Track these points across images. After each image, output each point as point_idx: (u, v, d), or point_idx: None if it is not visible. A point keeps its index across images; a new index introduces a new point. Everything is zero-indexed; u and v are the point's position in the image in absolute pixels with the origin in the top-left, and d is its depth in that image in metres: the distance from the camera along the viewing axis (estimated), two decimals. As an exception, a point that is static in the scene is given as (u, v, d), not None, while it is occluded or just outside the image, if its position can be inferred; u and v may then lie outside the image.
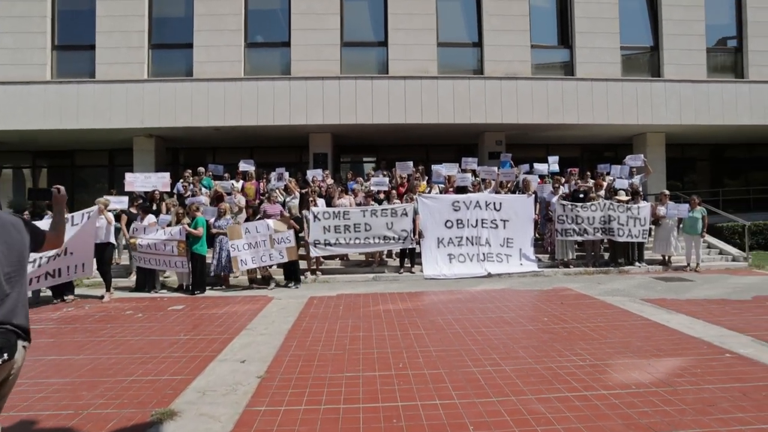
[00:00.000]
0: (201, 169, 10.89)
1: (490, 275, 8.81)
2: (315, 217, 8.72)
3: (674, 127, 13.16)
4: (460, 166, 10.77)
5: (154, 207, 9.54)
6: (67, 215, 7.14)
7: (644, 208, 9.25)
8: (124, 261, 9.28)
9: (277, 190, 9.61)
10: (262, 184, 10.59)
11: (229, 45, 12.45)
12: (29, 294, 4.97)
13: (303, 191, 9.79)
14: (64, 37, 12.83)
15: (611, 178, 10.64)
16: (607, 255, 9.67)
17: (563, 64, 13.30)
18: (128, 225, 8.47)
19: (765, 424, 2.85)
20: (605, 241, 9.62)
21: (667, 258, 9.40)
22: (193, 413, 3.17)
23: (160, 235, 7.91)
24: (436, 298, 6.97)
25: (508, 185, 10.49)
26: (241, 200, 9.58)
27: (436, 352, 4.38)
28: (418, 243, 8.97)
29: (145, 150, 13.21)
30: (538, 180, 10.48)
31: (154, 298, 7.50)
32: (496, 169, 10.53)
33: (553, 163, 10.91)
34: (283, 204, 9.71)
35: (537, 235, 9.87)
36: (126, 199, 8.90)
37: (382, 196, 9.93)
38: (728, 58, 13.74)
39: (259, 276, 8.40)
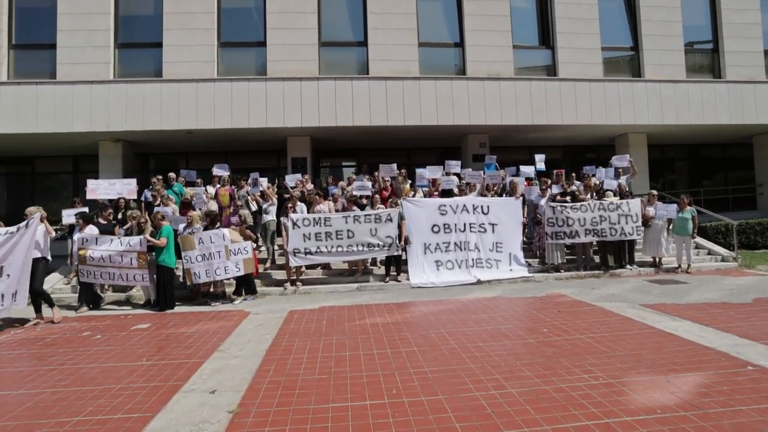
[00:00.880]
0: (171, 174, 10.18)
1: (479, 282, 8.43)
2: (294, 224, 8.18)
3: (656, 127, 13.13)
4: (443, 168, 10.40)
5: (120, 216, 8.85)
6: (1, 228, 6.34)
7: (635, 204, 9.05)
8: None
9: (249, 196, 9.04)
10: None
11: (201, 44, 11.80)
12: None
13: (285, 196, 9.25)
14: (23, 35, 11.97)
15: (597, 179, 10.42)
16: (597, 258, 9.41)
17: (545, 65, 13.12)
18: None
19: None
20: (594, 243, 9.38)
21: (657, 260, 9.21)
22: (148, 465, 2.63)
23: (115, 245, 7.18)
24: (426, 309, 6.52)
25: (494, 188, 10.16)
26: (213, 206, 8.96)
27: (433, 373, 3.93)
28: (404, 250, 8.51)
29: (112, 156, 12.40)
30: (525, 182, 10.19)
31: (118, 316, 6.82)
32: (482, 172, 10.18)
33: (540, 162, 10.64)
34: (259, 211, 9.17)
35: (525, 239, 9.55)
36: (86, 210, 8.12)
37: (364, 201, 9.45)
38: (705, 59, 13.83)
39: (212, 290, 7.67)
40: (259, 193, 9.23)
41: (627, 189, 9.78)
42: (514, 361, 4.15)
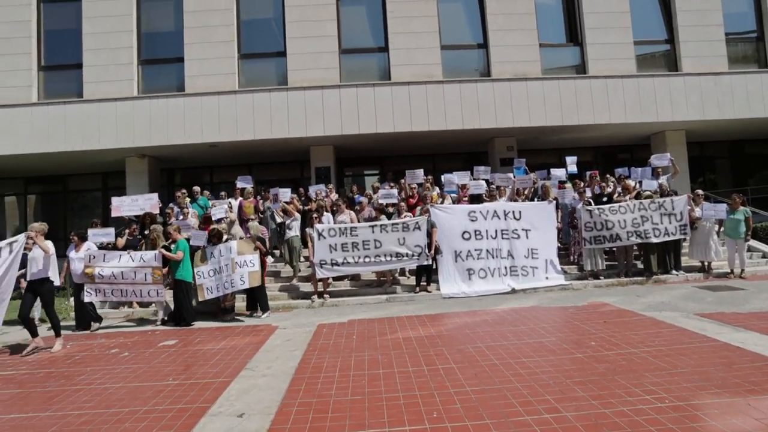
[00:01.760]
0: (196, 188, 10.18)
1: (513, 291, 8.02)
2: (320, 234, 7.97)
3: (696, 123, 12.42)
4: (471, 174, 10.06)
5: (146, 232, 8.82)
6: None
7: (679, 201, 8.46)
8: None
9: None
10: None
11: (222, 57, 11.85)
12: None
13: (306, 208, 9.06)
14: (51, 57, 12.30)
15: (633, 180, 9.86)
16: (639, 263, 8.85)
17: (574, 64, 12.64)
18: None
19: None
20: (635, 247, 8.83)
21: (706, 264, 8.59)
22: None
23: (126, 261, 7.00)
24: (460, 321, 6.17)
25: (525, 192, 9.74)
26: (233, 218, 8.82)
27: (475, 393, 3.60)
28: (434, 259, 8.17)
29: (138, 171, 12.54)
30: (557, 185, 9.72)
31: (145, 332, 6.73)
32: (512, 175, 9.79)
33: (572, 164, 10.13)
34: (282, 225, 9.01)
35: (559, 244, 9.09)
36: (112, 230, 7.97)
37: (390, 209, 9.18)
38: (749, 48, 13.06)
39: (223, 305, 7.42)
40: (280, 209, 9.07)
41: (669, 189, 9.18)
42: (564, 380, 3.78)
